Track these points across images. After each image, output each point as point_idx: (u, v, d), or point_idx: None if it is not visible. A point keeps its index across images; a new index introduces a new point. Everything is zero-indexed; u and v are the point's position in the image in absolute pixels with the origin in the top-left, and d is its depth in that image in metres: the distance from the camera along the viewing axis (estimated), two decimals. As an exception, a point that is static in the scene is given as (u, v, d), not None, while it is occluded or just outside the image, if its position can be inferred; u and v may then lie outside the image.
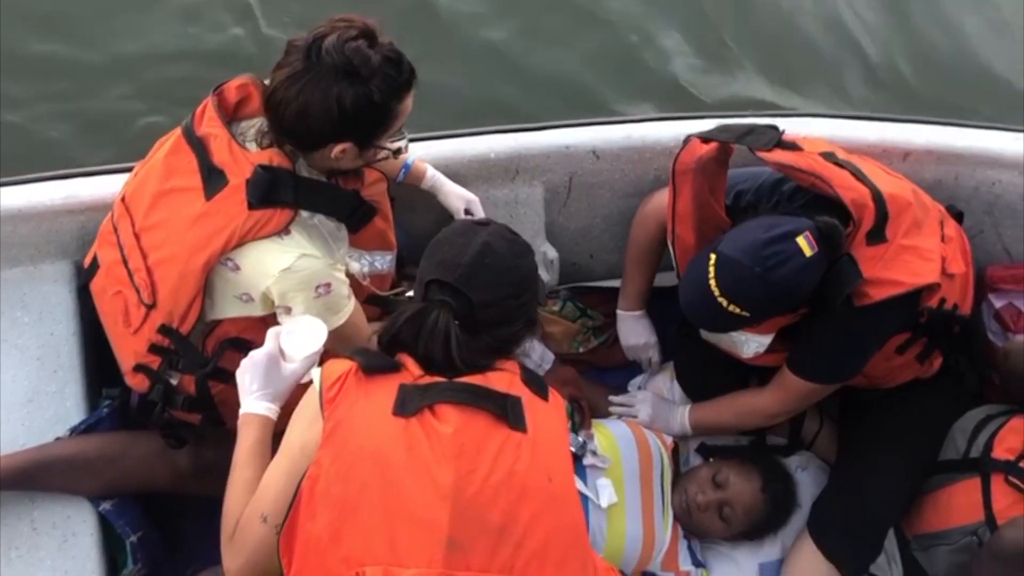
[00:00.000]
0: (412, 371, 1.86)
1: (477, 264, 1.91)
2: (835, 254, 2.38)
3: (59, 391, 2.59)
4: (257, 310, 2.25)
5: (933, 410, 2.82)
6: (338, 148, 2.16)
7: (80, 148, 3.77)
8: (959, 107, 4.24)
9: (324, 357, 2.03)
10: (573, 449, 2.55)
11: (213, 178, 2.18)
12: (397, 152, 2.27)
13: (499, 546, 1.76)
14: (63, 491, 2.47)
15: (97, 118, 3.91)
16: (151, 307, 2.28)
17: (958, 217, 2.76)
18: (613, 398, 2.99)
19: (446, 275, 1.91)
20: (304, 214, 2.19)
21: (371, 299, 2.45)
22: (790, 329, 2.54)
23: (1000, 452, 2.67)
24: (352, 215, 2.27)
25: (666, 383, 3.00)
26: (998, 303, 2.94)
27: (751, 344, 2.58)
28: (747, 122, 2.60)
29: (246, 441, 1.98)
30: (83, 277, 2.52)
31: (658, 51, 4.37)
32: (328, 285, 2.20)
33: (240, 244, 2.16)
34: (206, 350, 2.32)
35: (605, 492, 2.65)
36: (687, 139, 2.56)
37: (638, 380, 3.08)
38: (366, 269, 2.39)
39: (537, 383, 1.94)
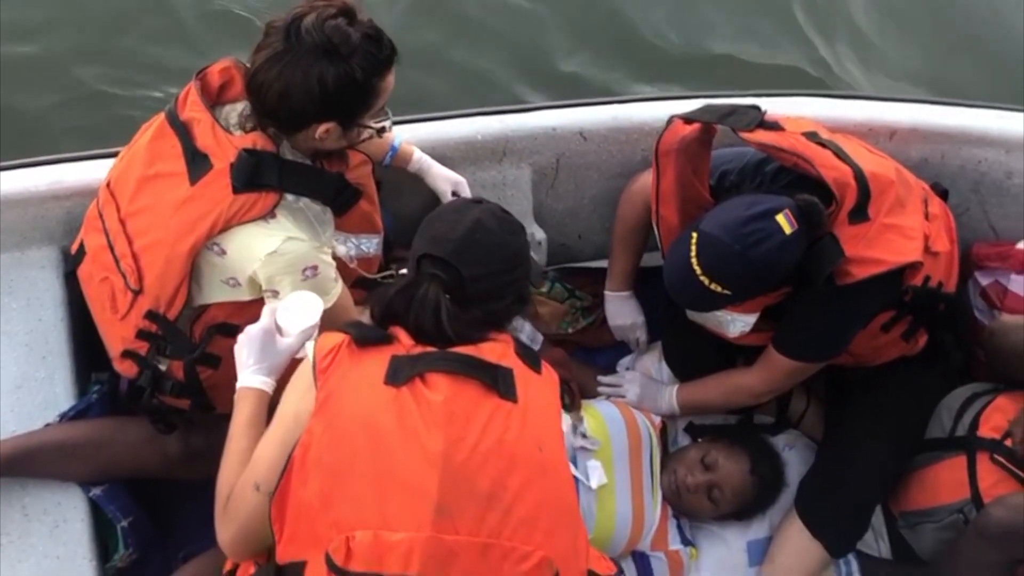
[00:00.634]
0: (404, 343, 1.88)
1: (468, 239, 1.94)
2: (816, 232, 2.39)
3: (48, 377, 2.59)
4: (244, 294, 2.25)
5: (919, 388, 2.83)
6: (321, 128, 2.15)
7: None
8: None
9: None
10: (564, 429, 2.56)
11: (197, 162, 2.18)
12: (381, 131, 2.27)
13: (487, 512, 1.78)
14: (53, 477, 2.47)
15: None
16: (138, 293, 2.28)
17: (943, 195, 2.77)
18: (602, 378, 3.00)
19: (437, 249, 1.95)
20: (289, 197, 2.19)
21: (359, 282, 2.45)
22: (775, 308, 2.55)
23: (986, 431, 2.68)
24: (337, 198, 2.26)
25: (654, 363, 3.01)
26: (984, 280, 2.95)
27: (736, 323, 2.58)
28: (729, 102, 2.60)
29: (242, 414, 2.00)
30: (70, 263, 2.52)
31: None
32: (315, 268, 2.20)
33: (225, 228, 2.15)
34: (194, 335, 2.32)
35: (595, 473, 2.66)
36: (670, 120, 2.56)
37: (626, 360, 3.09)
38: (353, 252, 2.39)
39: (530, 356, 1.96)
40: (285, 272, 2.17)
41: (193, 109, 2.22)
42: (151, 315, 2.28)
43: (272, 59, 2.08)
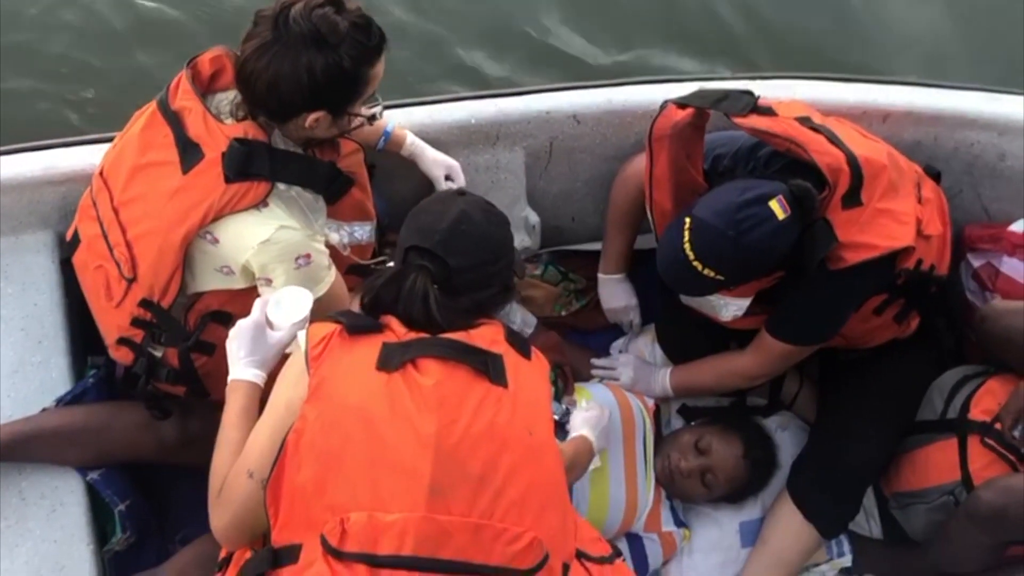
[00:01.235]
0: (396, 331, 1.91)
1: (454, 230, 1.97)
2: (809, 218, 2.40)
3: (44, 361, 2.60)
4: (238, 282, 2.26)
5: (911, 370, 2.84)
6: (312, 117, 2.15)
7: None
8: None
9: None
10: (556, 416, 2.58)
11: (189, 152, 2.18)
12: (372, 119, 2.27)
13: (479, 493, 1.80)
14: (51, 462, 2.49)
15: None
16: (132, 281, 2.28)
17: (936, 177, 2.77)
18: (595, 361, 3.02)
19: (424, 241, 1.97)
20: (281, 186, 2.19)
21: (352, 269, 2.46)
22: (768, 292, 2.55)
23: (977, 414, 2.70)
24: (329, 186, 2.27)
25: (647, 346, 3.02)
26: (976, 262, 2.96)
27: (729, 308, 2.59)
28: (723, 87, 2.60)
29: (234, 406, 2.02)
30: (65, 251, 2.53)
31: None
32: (308, 256, 2.21)
33: (218, 218, 2.16)
34: (188, 323, 2.33)
35: (588, 456, 2.68)
36: (663, 105, 2.56)
37: (620, 343, 3.10)
38: (346, 240, 2.39)
39: (520, 343, 1.99)
40: (278, 260, 2.18)
41: (184, 98, 2.22)
42: (145, 303, 2.29)
43: (261, 49, 2.08)
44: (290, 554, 1.81)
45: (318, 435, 1.81)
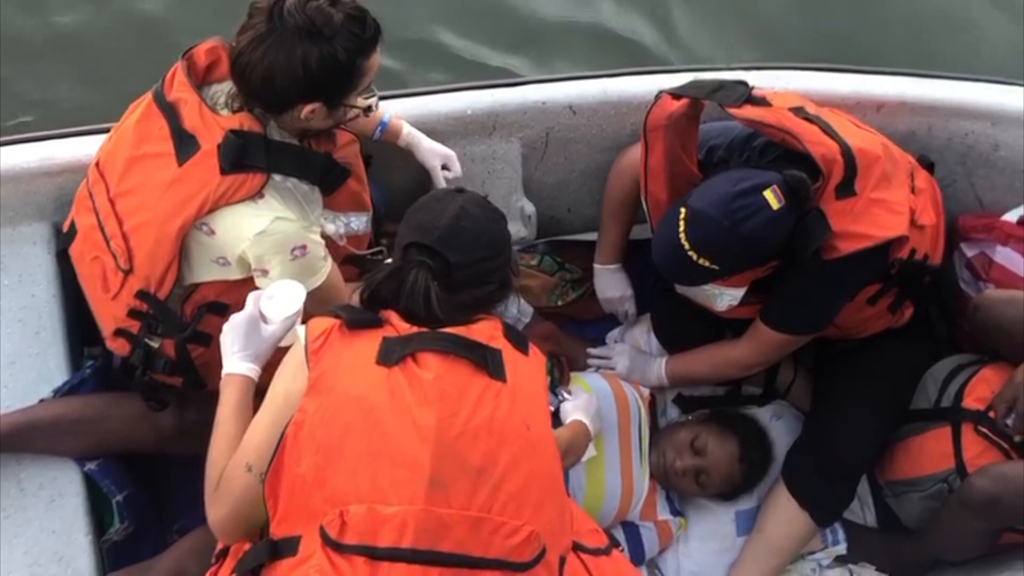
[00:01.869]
0: (396, 325, 1.91)
1: (454, 227, 1.98)
2: (803, 208, 2.41)
3: (41, 352, 2.61)
4: (234, 273, 2.26)
5: (905, 359, 2.85)
6: (307, 109, 2.16)
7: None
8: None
9: (304, 319, 2.07)
10: (552, 408, 2.59)
11: (185, 143, 2.18)
12: (367, 110, 2.28)
13: (479, 487, 1.81)
14: (49, 452, 2.50)
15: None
16: (128, 272, 2.29)
17: (929, 168, 2.78)
18: (591, 350, 3.03)
19: (424, 237, 1.98)
20: (277, 177, 2.20)
21: (348, 259, 2.47)
22: (763, 282, 2.56)
23: (970, 402, 2.71)
24: (325, 177, 2.28)
25: (643, 335, 3.03)
26: (969, 252, 2.96)
27: (724, 297, 2.60)
28: (717, 77, 2.60)
29: (228, 400, 2.03)
30: (61, 242, 2.52)
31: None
32: (304, 247, 2.22)
33: (214, 209, 2.17)
34: (184, 314, 2.33)
35: (584, 445, 2.69)
36: (658, 95, 2.57)
37: (615, 332, 3.11)
38: (342, 230, 2.40)
39: (518, 338, 2.00)
40: (274, 252, 2.19)
41: (180, 90, 2.23)
42: (142, 294, 2.30)
43: (255, 41, 2.08)
44: (289, 546, 1.81)
45: (318, 427, 1.82)
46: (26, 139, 2.72)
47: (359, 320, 1.91)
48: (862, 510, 2.92)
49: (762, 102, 2.53)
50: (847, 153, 2.44)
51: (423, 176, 2.81)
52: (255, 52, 2.08)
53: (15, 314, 2.64)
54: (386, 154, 2.76)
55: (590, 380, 2.84)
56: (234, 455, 1.92)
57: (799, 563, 2.88)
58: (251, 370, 2.05)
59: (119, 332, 2.39)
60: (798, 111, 2.53)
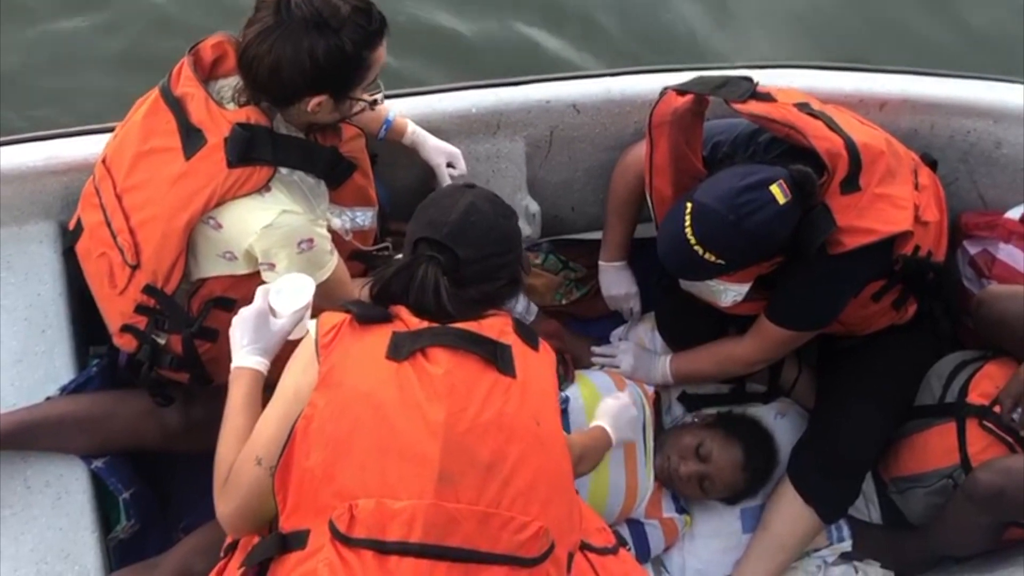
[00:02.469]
0: (406, 320, 1.91)
1: (464, 222, 1.98)
2: (809, 203, 2.41)
3: (48, 351, 2.62)
4: (241, 268, 2.27)
5: (909, 356, 2.86)
6: (314, 102, 2.17)
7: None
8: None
9: (312, 314, 2.07)
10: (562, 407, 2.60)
11: (192, 138, 2.19)
12: (373, 104, 2.28)
13: (488, 482, 1.81)
14: (55, 450, 2.50)
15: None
16: (135, 268, 2.29)
17: (932, 165, 2.79)
18: (595, 349, 3.03)
19: (434, 233, 1.98)
20: (284, 171, 2.20)
21: (354, 255, 2.47)
22: (767, 278, 2.57)
23: (975, 397, 2.72)
24: (331, 171, 2.28)
25: (647, 333, 3.03)
26: (972, 249, 2.98)
27: (729, 293, 2.60)
28: (722, 74, 2.61)
29: (237, 394, 2.02)
30: (67, 240, 2.53)
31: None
32: (311, 241, 2.22)
33: (221, 203, 2.17)
34: (191, 309, 2.33)
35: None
36: (663, 91, 2.57)
37: (620, 331, 3.11)
38: (348, 225, 2.40)
39: (528, 334, 1.99)
40: (281, 245, 2.19)
41: (187, 84, 2.23)
42: (149, 289, 2.30)
43: (263, 33, 2.09)
44: (298, 539, 1.81)
45: (327, 421, 1.82)
46: (31, 138, 2.73)
47: (369, 315, 1.91)
48: (867, 507, 2.92)
49: (767, 98, 2.54)
50: (852, 148, 2.45)
51: (428, 174, 2.81)
52: (262, 44, 2.09)
53: (21, 312, 2.65)
54: (391, 153, 2.77)
55: (595, 378, 2.84)
56: (244, 449, 1.92)
57: (804, 560, 2.88)
58: (260, 364, 2.04)
59: (126, 328, 2.39)
60: (803, 107, 2.54)
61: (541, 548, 1.82)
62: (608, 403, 2.55)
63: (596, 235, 3.07)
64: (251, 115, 2.19)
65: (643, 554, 2.79)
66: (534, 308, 3.04)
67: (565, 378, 2.84)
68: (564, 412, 2.67)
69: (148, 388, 2.48)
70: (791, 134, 2.49)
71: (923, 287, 2.71)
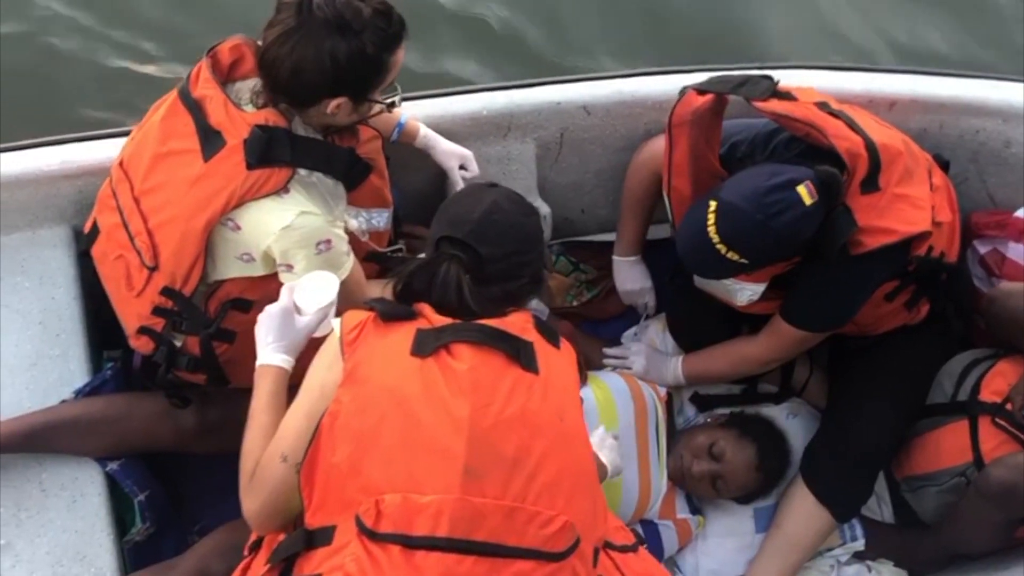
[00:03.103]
0: (429, 317, 1.92)
1: (486, 220, 1.99)
2: (833, 203, 2.41)
3: (62, 354, 2.62)
4: (258, 269, 2.28)
5: (920, 355, 2.86)
6: (333, 103, 2.18)
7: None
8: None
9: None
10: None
11: (210, 139, 2.20)
12: (391, 106, 2.30)
13: (513, 476, 1.81)
14: (70, 452, 2.50)
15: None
16: (153, 269, 2.30)
17: (944, 166, 2.79)
18: (607, 350, 3.03)
19: (456, 231, 1.98)
20: (302, 172, 2.21)
21: (369, 256, 2.48)
22: (782, 277, 2.57)
23: (987, 395, 2.72)
24: (348, 172, 2.29)
25: (658, 334, 3.04)
26: (982, 249, 2.98)
27: (745, 292, 2.60)
28: (741, 73, 2.61)
29: (263, 391, 2.03)
30: (83, 243, 2.53)
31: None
32: (328, 242, 2.23)
33: (240, 204, 2.18)
34: (209, 311, 2.34)
35: (601, 443, 2.69)
36: (683, 91, 2.58)
37: (631, 332, 3.11)
38: (364, 226, 2.41)
39: (549, 332, 1.99)
40: (299, 246, 2.20)
41: (205, 87, 2.24)
42: (167, 291, 2.30)
43: (284, 35, 2.11)
44: (324, 536, 1.82)
45: (353, 417, 1.83)
46: (46, 142, 2.73)
47: (393, 312, 1.92)
48: (879, 506, 2.92)
49: (788, 96, 2.54)
50: (871, 148, 2.45)
51: (439, 177, 2.83)
52: (284, 46, 2.11)
53: (36, 316, 2.65)
54: (403, 155, 2.77)
55: (608, 380, 2.85)
56: (269, 446, 1.92)
57: (818, 559, 2.88)
58: (285, 361, 2.05)
59: (143, 330, 2.39)
60: (822, 106, 2.54)
61: (567, 542, 1.83)
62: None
63: (607, 237, 3.08)
64: (270, 117, 2.20)
65: (657, 555, 2.77)
66: (545, 309, 3.04)
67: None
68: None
69: (164, 390, 2.48)
70: (811, 133, 2.49)
71: (936, 288, 2.71)
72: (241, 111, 2.22)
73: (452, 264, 1.96)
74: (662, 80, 2.97)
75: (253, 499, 1.92)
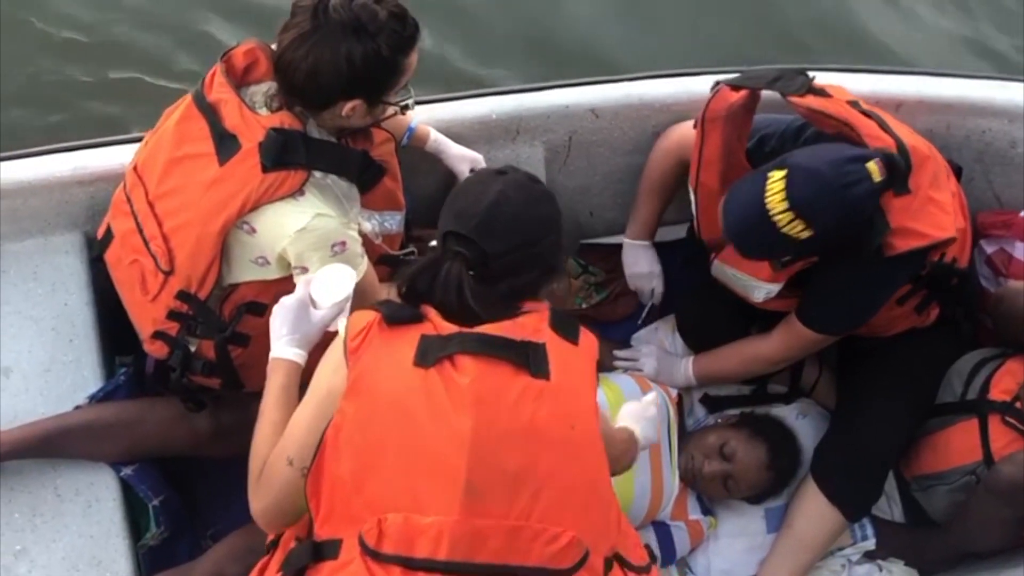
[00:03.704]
0: (435, 321, 1.86)
1: (491, 214, 1.88)
2: (895, 187, 2.40)
3: (75, 360, 2.62)
4: (272, 273, 2.28)
5: (930, 355, 2.87)
6: (348, 106, 2.19)
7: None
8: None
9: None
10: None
11: (226, 143, 2.21)
12: (404, 109, 2.31)
13: (517, 493, 1.78)
14: (85, 457, 2.50)
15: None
16: (168, 274, 2.30)
17: (957, 173, 2.78)
18: (618, 352, 3.03)
19: (461, 226, 1.90)
20: (317, 174, 2.22)
21: (381, 259, 2.48)
22: (797, 277, 2.58)
23: (996, 393, 2.73)
24: (362, 175, 2.30)
25: (668, 336, 3.05)
26: (989, 249, 2.99)
27: (761, 289, 2.61)
28: (775, 67, 2.62)
29: (274, 385, 2.01)
30: (97, 248, 2.53)
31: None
32: (343, 244, 2.23)
33: (256, 207, 2.19)
34: (223, 315, 2.34)
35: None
36: (716, 86, 2.57)
37: (641, 334, 3.12)
38: (377, 229, 2.42)
39: (567, 327, 1.91)
40: (315, 248, 2.20)
41: (220, 91, 2.25)
42: (182, 295, 2.31)
43: (300, 38, 2.12)
44: (332, 548, 1.81)
45: (356, 431, 1.80)
46: (58, 149, 2.74)
47: (398, 316, 1.86)
48: (889, 506, 2.93)
49: (822, 93, 2.54)
50: (902, 150, 2.45)
51: (449, 181, 2.82)
52: (299, 49, 2.12)
53: (49, 322, 2.65)
54: (412, 159, 2.76)
55: (619, 381, 2.85)
56: (276, 447, 1.91)
57: (828, 559, 2.89)
58: (298, 355, 2.03)
59: (157, 335, 2.40)
60: (854, 105, 2.54)
61: (574, 558, 1.80)
62: (631, 406, 2.48)
63: (615, 239, 3.09)
64: (284, 120, 2.21)
65: (669, 556, 2.80)
66: (556, 310, 3.05)
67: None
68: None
69: (179, 394, 2.49)
70: (843, 131, 2.48)
71: (947, 292, 2.72)
72: (256, 114, 2.23)
73: (454, 263, 1.87)
74: (670, 83, 2.98)
75: (260, 499, 1.92)
